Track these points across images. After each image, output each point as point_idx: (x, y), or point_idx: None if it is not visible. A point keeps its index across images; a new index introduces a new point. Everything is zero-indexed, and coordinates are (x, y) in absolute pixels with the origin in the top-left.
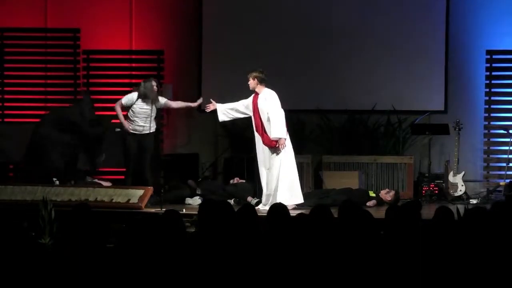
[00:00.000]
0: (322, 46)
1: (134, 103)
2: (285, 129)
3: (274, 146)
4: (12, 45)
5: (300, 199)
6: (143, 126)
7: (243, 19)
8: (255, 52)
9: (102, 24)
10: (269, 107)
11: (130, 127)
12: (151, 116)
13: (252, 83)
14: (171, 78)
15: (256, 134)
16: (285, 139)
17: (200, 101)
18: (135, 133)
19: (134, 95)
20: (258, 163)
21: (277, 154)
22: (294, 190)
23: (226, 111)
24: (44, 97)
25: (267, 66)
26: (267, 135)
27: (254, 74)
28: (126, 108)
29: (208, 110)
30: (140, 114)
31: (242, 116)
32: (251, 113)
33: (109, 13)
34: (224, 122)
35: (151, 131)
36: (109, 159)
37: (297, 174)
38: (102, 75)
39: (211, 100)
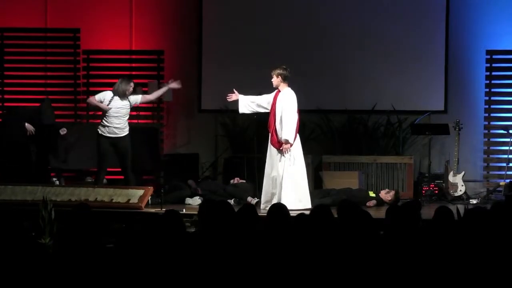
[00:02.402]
0: (322, 46)
1: (108, 102)
2: (293, 134)
3: (278, 148)
4: (12, 45)
5: (306, 204)
6: (119, 128)
7: (243, 20)
8: (255, 52)
9: (102, 24)
10: (284, 108)
11: (106, 131)
12: (125, 116)
13: (275, 80)
14: (171, 78)
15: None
16: (291, 144)
17: (175, 83)
18: (110, 136)
19: (107, 93)
20: (266, 160)
21: (283, 156)
22: (299, 195)
23: (248, 104)
24: (44, 97)
25: (267, 66)
26: (276, 135)
27: (278, 71)
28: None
29: (230, 100)
30: (113, 113)
31: (263, 111)
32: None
33: (109, 13)
34: (244, 115)
35: (126, 133)
36: (90, 159)
37: (306, 179)
38: (102, 75)
39: (234, 90)
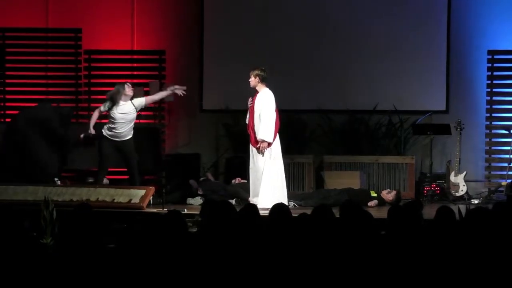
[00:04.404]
0: (324, 45)
1: (111, 109)
2: (272, 133)
3: (256, 147)
4: (13, 45)
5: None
6: (123, 133)
7: (244, 19)
8: (256, 52)
9: (103, 24)
10: (262, 108)
11: (110, 134)
12: (132, 121)
13: (253, 81)
14: (173, 78)
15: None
16: (268, 143)
17: (181, 88)
18: (113, 140)
19: (107, 102)
20: (250, 160)
21: (262, 155)
22: (277, 194)
23: None
24: (46, 97)
25: (268, 65)
26: (254, 134)
27: (256, 72)
28: (107, 115)
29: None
30: (120, 119)
31: None
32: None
33: (110, 13)
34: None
35: (129, 137)
36: (91, 159)
37: (284, 178)
38: (103, 75)
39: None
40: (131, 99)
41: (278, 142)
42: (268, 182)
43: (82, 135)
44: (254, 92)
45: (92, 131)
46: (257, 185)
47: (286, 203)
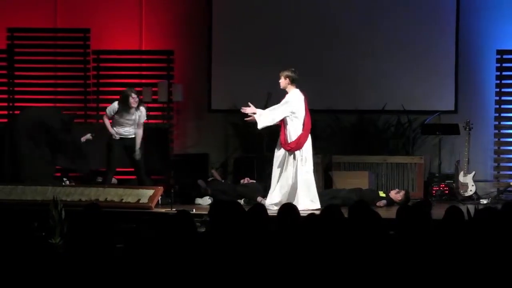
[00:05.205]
0: (333, 46)
1: (115, 112)
2: (267, 123)
3: (287, 150)
4: (22, 45)
5: (317, 205)
6: (131, 131)
7: (253, 19)
8: (265, 52)
9: (112, 24)
10: (282, 102)
11: (117, 132)
12: (133, 125)
13: (283, 82)
14: (181, 78)
15: None
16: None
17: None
18: (121, 137)
19: (116, 104)
20: (274, 161)
21: (294, 158)
22: (312, 195)
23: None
24: (54, 97)
25: (277, 66)
26: (284, 137)
27: (286, 73)
28: (112, 117)
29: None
30: (123, 123)
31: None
32: None
33: (119, 13)
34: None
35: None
36: (100, 159)
37: (314, 180)
38: (112, 75)
39: (250, 105)
40: (136, 108)
41: (309, 143)
42: (304, 184)
43: (83, 138)
44: (283, 93)
45: (113, 131)
46: (285, 189)
47: (319, 204)
